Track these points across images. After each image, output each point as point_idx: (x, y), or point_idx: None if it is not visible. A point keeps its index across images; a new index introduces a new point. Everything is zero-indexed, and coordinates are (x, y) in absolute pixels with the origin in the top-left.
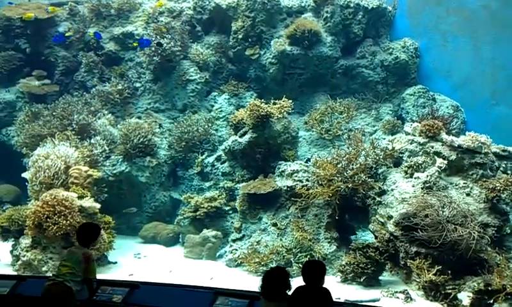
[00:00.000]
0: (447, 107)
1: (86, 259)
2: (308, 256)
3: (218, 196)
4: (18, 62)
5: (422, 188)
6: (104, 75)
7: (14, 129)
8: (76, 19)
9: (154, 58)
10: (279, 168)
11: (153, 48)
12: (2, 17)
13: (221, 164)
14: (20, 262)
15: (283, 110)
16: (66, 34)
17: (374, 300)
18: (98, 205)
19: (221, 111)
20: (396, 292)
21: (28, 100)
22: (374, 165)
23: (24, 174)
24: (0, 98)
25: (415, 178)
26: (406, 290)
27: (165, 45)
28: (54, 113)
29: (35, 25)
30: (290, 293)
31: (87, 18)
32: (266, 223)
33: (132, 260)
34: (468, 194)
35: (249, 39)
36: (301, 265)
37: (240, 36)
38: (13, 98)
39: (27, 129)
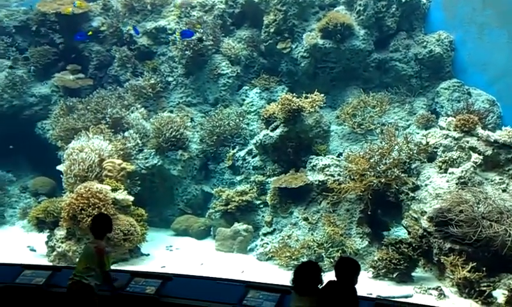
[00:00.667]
0: (483, 102)
1: (98, 251)
2: (340, 251)
3: (249, 189)
4: (53, 56)
5: (456, 183)
6: (137, 69)
7: (49, 122)
8: (109, 14)
9: (186, 52)
10: (310, 162)
11: (185, 43)
12: (38, 12)
13: (252, 157)
14: (55, 253)
15: (314, 104)
16: (89, 34)
17: (406, 297)
18: (131, 198)
19: (252, 105)
20: (429, 289)
21: (63, 94)
22: (408, 160)
23: (58, 167)
24: (36, 92)
25: (450, 174)
26: (440, 286)
27: (204, 39)
28: (88, 107)
29: (69, 19)
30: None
31: (120, 12)
32: (297, 217)
33: (164, 252)
34: (504, 190)
35: (281, 33)
36: (332, 260)
37: (272, 30)
38: (48, 92)
39: (62, 122)
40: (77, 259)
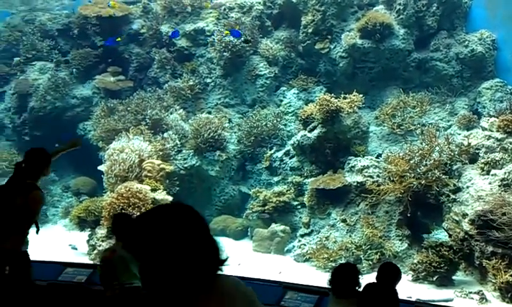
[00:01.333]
0: None
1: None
2: (379, 254)
3: (286, 190)
4: (94, 59)
5: (499, 185)
6: (176, 71)
7: (90, 124)
8: (149, 16)
9: (224, 54)
10: (349, 163)
11: (223, 44)
12: (79, 16)
13: (290, 158)
14: (95, 251)
15: (353, 105)
16: (118, 40)
17: (447, 300)
18: (170, 198)
19: (290, 106)
20: (470, 293)
21: (104, 95)
22: (449, 162)
23: (100, 167)
24: (78, 94)
25: (492, 175)
26: (481, 290)
27: (251, 40)
28: (128, 108)
29: (110, 22)
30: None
31: (160, 15)
32: (335, 219)
33: None
34: None
35: (320, 33)
36: (371, 263)
37: (310, 30)
38: (90, 94)
39: (103, 124)
40: (114, 267)
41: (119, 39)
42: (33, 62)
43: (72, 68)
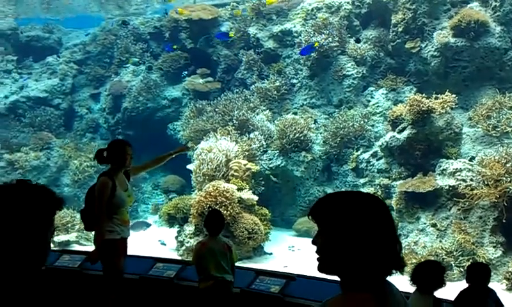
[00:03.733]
0: None
1: (228, 248)
2: (471, 260)
3: (373, 193)
4: (184, 61)
5: None
6: (263, 72)
7: (180, 124)
8: (237, 19)
9: (311, 54)
10: (440, 166)
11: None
12: (170, 19)
13: (377, 160)
14: (184, 248)
15: (445, 105)
16: (230, 35)
17: None
18: (255, 197)
19: (377, 106)
20: None
21: (193, 96)
22: None
23: (188, 166)
24: (168, 95)
25: None
26: None
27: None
28: (216, 109)
29: (199, 25)
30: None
31: (248, 17)
32: (425, 223)
33: (287, 252)
34: None
35: (410, 32)
36: (462, 270)
37: (400, 29)
38: (179, 95)
39: (192, 124)
40: (204, 260)
41: (231, 35)
42: (127, 65)
43: (163, 70)
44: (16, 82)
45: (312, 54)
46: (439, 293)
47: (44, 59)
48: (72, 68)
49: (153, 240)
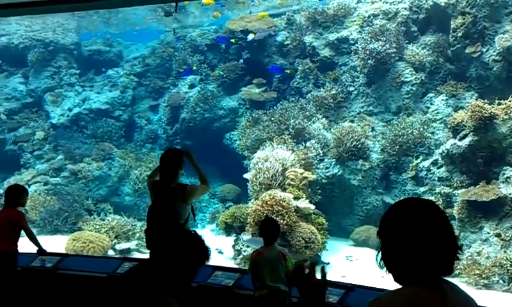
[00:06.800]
0: None
1: (283, 257)
2: None
3: (434, 202)
4: (240, 71)
5: None
6: (319, 80)
7: (236, 133)
8: (293, 28)
9: (369, 61)
10: (504, 174)
11: (368, 51)
12: (227, 30)
13: (438, 168)
14: (241, 256)
15: (509, 111)
16: (194, 68)
17: None
18: (312, 206)
19: (437, 113)
20: None
21: (249, 106)
22: None
23: (245, 175)
24: (225, 105)
25: None
26: None
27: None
28: (272, 118)
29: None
30: None
31: (303, 26)
32: (488, 233)
33: (344, 262)
34: None
35: (470, 37)
36: None
37: (460, 34)
38: (236, 105)
39: (248, 133)
40: (259, 268)
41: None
42: (184, 77)
43: (220, 81)
44: (79, 95)
45: (369, 61)
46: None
47: (105, 72)
48: (132, 80)
49: (211, 248)
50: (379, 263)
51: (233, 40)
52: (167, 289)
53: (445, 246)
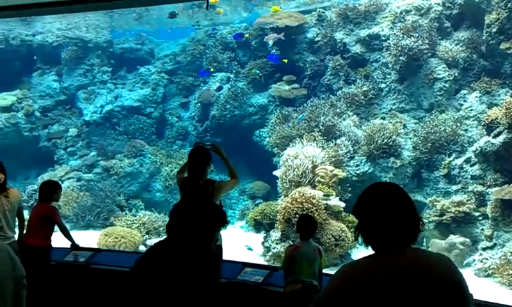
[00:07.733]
0: None
1: (318, 253)
2: None
3: (467, 200)
4: (270, 68)
5: None
6: (349, 77)
7: (266, 130)
8: (324, 24)
9: (401, 58)
10: None
11: (400, 48)
12: (257, 27)
13: (471, 166)
14: (270, 253)
15: None
16: (211, 70)
17: None
18: (342, 204)
19: (471, 110)
20: None
21: (279, 103)
22: None
23: (275, 172)
24: (255, 102)
25: None
26: None
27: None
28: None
29: (285, 32)
30: None
31: (334, 22)
32: None
33: None
34: None
35: (505, 32)
36: None
37: (494, 30)
38: (266, 102)
39: (278, 130)
40: (295, 263)
41: (212, 69)
42: (215, 74)
43: (251, 78)
44: (111, 92)
45: (401, 57)
46: None
47: (137, 70)
48: (163, 77)
49: (241, 245)
50: (356, 237)
51: (246, 35)
52: (185, 255)
53: (405, 218)
